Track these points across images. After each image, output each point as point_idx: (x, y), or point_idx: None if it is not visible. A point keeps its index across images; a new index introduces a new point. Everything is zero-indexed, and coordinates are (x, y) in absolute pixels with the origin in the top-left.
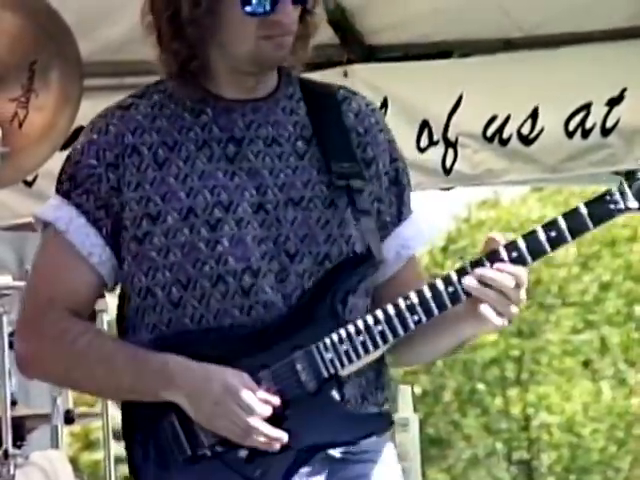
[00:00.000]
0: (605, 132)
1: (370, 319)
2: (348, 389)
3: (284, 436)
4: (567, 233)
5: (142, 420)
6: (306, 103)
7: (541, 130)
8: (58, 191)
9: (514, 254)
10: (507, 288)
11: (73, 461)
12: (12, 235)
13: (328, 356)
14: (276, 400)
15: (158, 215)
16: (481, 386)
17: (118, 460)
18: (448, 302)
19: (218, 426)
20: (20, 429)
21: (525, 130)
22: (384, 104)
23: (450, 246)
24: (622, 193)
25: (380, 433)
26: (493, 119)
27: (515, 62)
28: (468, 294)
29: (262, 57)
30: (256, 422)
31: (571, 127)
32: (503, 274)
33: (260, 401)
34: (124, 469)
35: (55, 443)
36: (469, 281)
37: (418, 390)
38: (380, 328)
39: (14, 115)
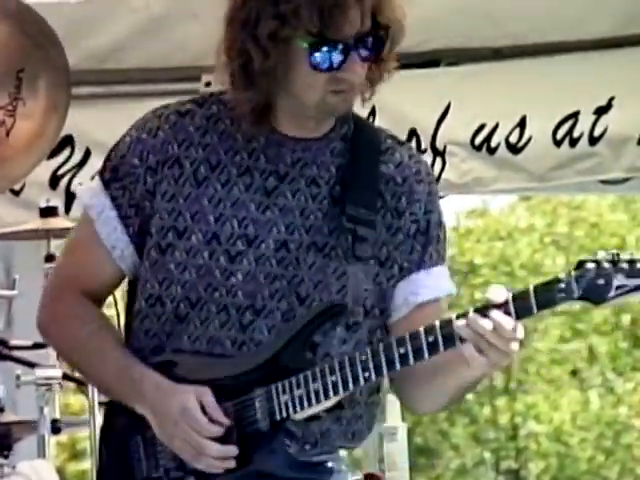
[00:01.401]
0: (593, 141)
1: (327, 368)
2: (302, 433)
3: (233, 451)
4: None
5: (117, 431)
6: (352, 146)
7: (529, 139)
8: (101, 175)
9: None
10: (487, 332)
11: (60, 471)
12: None
13: (284, 398)
14: (226, 421)
15: (184, 231)
16: (469, 395)
17: None
18: (397, 363)
19: (175, 445)
20: (7, 439)
21: (513, 139)
22: (372, 113)
23: None
24: (569, 284)
25: None
26: (481, 128)
27: (503, 71)
28: (447, 344)
29: (328, 108)
30: (205, 442)
31: (559, 136)
32: (485, 320)
33: (212, 422)
34: None
35: (42, 453)
36: (460, 323)
37: None
38: (334, 379)
39: (1, 123)
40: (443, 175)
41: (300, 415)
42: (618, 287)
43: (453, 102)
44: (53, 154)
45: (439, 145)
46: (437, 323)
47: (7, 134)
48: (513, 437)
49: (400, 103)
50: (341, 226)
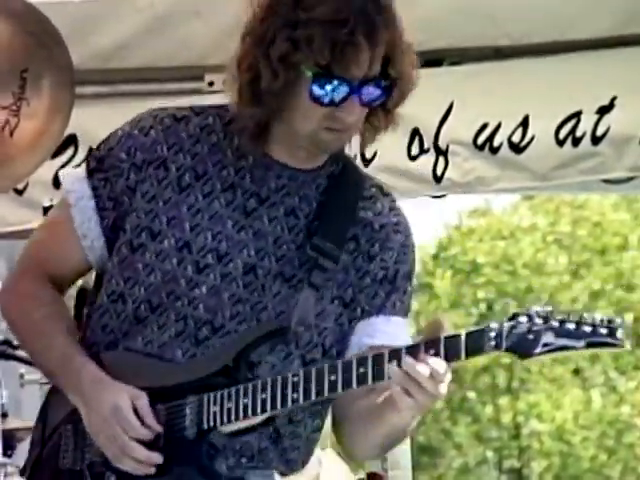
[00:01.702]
0: (595, 140)
1: (259, 385)
2: (240, 446)
3: (157, 458)
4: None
5: (52, 418)
6: (335, 185)
7: (532, 138)
8: (87, 163)
9: (432, 351)
10: (422, 377)
11: None
12: (3, 243)
13: (213, 409)
14: (158, 427)
15: (158, 234)
16: (472, 394)
17: None
18: (326, 389)
19: (100, 442)
20: (10, 439)
21: (516, 138)
22: None
23: (441, 254)
24: (499, 336)
25: None
26: (484, 127)
27: (506, 70)
28: (376, 379)
29: (320, 144)
30: (131, 443)
31: (561, 135)
32: (420, 364)
33: (143, 426)
34: None
35: None
36: (393, 367)
37: None
38: (264, 396)
39: (5, 123)
40: (446, 174)
41: (227, 428)
42: (545, 344)
43: (456, 101)
44: (57, 153)
45: (442, 144)
46: (370, 356)
47: (11, 134)
48: (516, 436)
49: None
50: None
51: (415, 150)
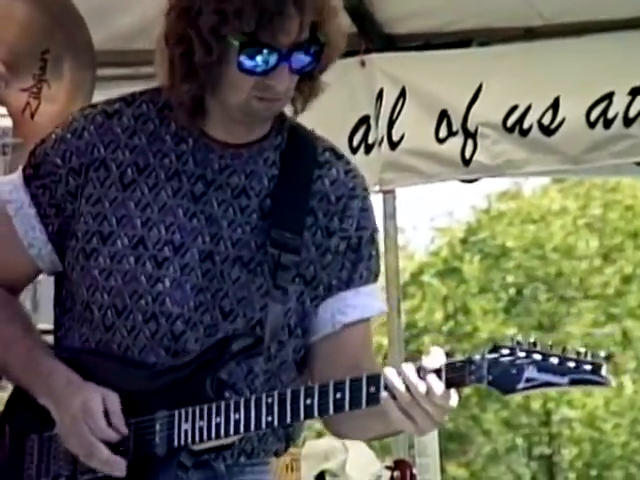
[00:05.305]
0: (627, 122)
1: (232, 404)
2: (239, 440)
3: (119, 463)
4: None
5: (16, 425)
6: (284, 160)
7: (562, 120)
8: (24, 170)
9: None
10: (420, 396)
11: None
12: None
13: (185, 427)
14: (124, 430)
15: (109, 236)
16: None
17: None
18: (302, 413)
19: (70, 443)
20: None
21: (546, 120)
22: (402, 94)
23: (470, 238)
24: (480, 369)
25: None
26: (513, 109)
27: (536, 51)
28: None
29: (251, 114)
30: (97, 443)
31: (593, 117)
32: (420, 381)
33: (110, 427)
34: None
35: None
36: (389, 373)
37: None
38: (237, 417)
39: (26, 105)
40: (474, 157)
41: (198, 447)
42: (528, 379)
43: (485, 83)
44: None
45: (470, 127)
46: (347, 380)
47: (32, 116)
48: (546, 423)
49: (431, 84)
50: (267, 246)
51: (443, 132)
